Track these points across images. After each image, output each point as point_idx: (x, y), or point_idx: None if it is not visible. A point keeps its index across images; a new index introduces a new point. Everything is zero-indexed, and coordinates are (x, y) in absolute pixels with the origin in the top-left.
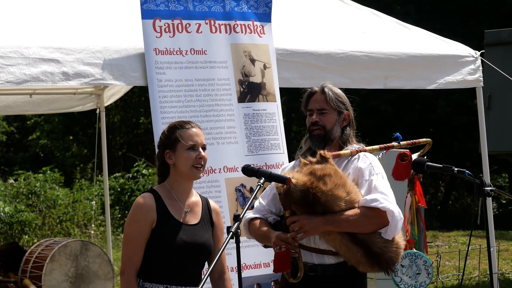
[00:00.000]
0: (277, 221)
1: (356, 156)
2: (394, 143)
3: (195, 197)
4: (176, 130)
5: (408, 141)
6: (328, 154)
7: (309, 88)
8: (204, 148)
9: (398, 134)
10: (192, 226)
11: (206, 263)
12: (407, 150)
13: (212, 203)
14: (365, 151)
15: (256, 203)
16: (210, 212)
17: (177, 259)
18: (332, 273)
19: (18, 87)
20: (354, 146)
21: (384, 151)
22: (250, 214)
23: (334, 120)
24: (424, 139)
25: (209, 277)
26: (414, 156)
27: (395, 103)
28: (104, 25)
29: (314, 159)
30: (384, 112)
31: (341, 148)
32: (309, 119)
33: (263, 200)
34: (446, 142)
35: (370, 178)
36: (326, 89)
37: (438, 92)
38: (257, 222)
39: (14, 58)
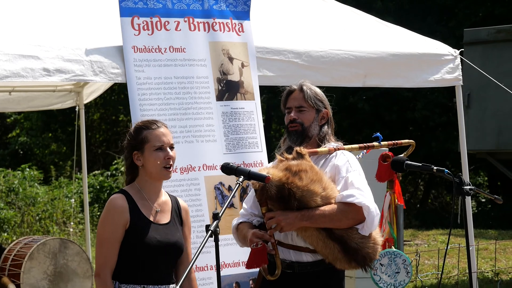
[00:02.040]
0: (261, 223)
1: (334, 153)
2: (375, 143)
3: (164, 197)
4: (142, 131)
5: (390, 142)
6: (304, 150)
7: (288, 86)
8: (172, 148)
9: (378, 134)
10: (163, 226)
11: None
12: (389, 152)
13: (182, 202)
14: (343, 149)
15: (241, 210)
16: (179, 211)
17: (151, 259)
18: (310, 271)
19: None
20: (332, 144)
21: (364, 150)
22: (236, 221)
23: (312, 118)
24: (407, 140)
25: (174, 276)
26: None
27: (373, 101)
28: (84, 22)
29: (290, 156)
30: (361, 109)
31: (318, 146)
32: (288, 116)
33: (246, 204)
34: (425, 141)
35: (346, 174)
36: (304, 87)
37: (416, 92)
38: (241, 226)
39: None
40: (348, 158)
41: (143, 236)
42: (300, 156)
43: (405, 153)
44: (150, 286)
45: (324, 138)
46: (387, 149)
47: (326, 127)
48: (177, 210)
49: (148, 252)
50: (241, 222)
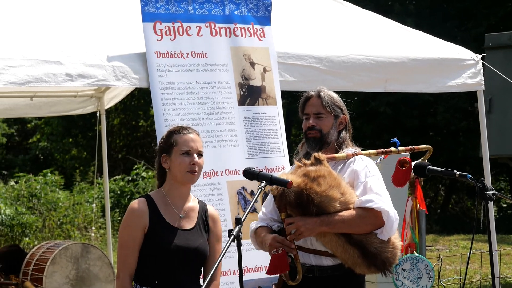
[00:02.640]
0: (281, 228)
1: (352, 159)
2: (392, 148)
3: (192, 202)
4: (173, 135)
5: (407, 147)
6: (322, 156)
7: (305, 92)
8: (200, 155)
9: (396, 139)
10: (186, 231)
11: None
12: (407, 157)
13: (210, 209)
14: (361, 154)
15: (260, 214)
16: (206, 218)
17: (169, 263)
18: (330, 274)
19: (21, 88)
20: (350, 149)
21: (382, 156)
22: (254, 225)
23: (331, 124)
24: (424, 146)
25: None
26: None
27: (394, 106)
28: (106, 28)
29: (308, 162)
30: (383, 113)
31: (337, 152)
32: (306, 123)
33: (265, 209)
34: (446, 146)
35: (365, 180)
36: (322, 94)
37: (438, 97)
38: (260, 230)
39: (17, 59)
40: (367, 163)
41: (161, 240)
42: (318, 161)
43: (422, 158)
44: None
45: (342, 143)
46: (408, 154)
47: (344, 132)
48: (203, 216)
49: (166, 256)
50: (260, 226)
